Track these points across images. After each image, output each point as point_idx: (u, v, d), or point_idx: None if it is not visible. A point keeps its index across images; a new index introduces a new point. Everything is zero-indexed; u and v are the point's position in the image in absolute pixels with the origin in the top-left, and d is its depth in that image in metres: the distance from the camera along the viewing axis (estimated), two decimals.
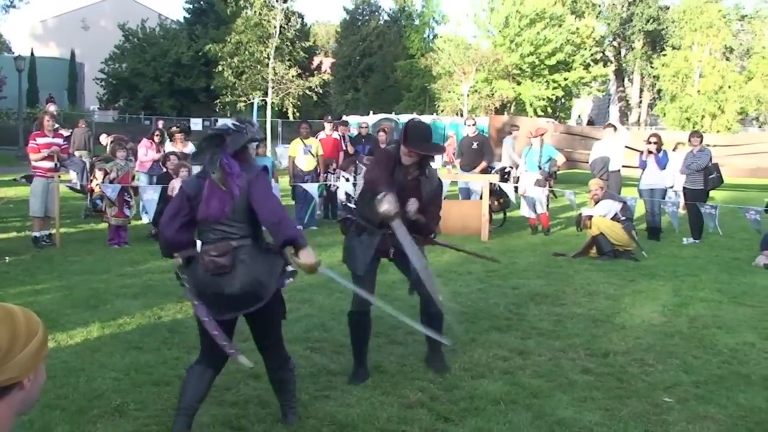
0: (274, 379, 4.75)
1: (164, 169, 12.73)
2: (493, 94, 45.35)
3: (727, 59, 49.69)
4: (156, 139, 14.36)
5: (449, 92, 45.89)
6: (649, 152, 12.99)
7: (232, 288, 4.32)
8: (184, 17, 55.13)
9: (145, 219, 13.23)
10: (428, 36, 56.92)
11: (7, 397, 1.85)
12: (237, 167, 4.24)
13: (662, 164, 12.95)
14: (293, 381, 4.78)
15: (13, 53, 42.08)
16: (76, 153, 17.54)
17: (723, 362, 6.15)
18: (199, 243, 4.59)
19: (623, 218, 11.22)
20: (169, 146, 14.26)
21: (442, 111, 45.68)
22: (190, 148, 14.62)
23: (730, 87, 45.64)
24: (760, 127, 50.66)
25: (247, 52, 35.97)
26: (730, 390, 5.46)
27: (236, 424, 4.66)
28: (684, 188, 13.27)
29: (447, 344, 5.70)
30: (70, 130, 19.45)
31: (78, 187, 15.77)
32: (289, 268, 4.52)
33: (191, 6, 54.30)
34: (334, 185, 14.80)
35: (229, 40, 36.07)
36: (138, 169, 14.17)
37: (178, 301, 7.83)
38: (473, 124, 15.33)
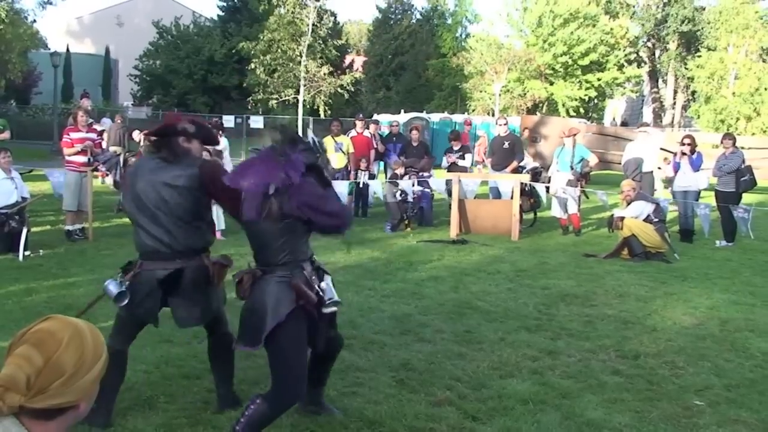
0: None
1: None
2: (525, 94, 45.14)
3: (764, 61, 48.98)
4: None
5: (481, 92, 45.71)
6: (683, 154, 12.86)
7: None
8: (218, 15, 55.40)
9: None
10: (460, 35, 56.72)
11: (61, 417, 1.82)
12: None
13: (696, 166, 12.81)
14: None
15: (49, 49, 42.50)
16: (111, 148, 17.68)
17: (755, 366, 6.08)
18: None
19: (656, 220, 11.12)
20: None
21: (473, 110, 45.54)
22: (222, 144, 14.71)
23: (766, 89, 45.01)
24: None
25: (279, 50, 36.14)
26: (763, 394, 5.40)
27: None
28: (716, 190, 13.12)
29: None
30: (103, 123, 19.63)
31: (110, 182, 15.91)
32: None
33: (225, 4, 54.55)
34: (364, 183, 14.81)
35: (261, 38, 36.26)
36: None
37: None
38: (504, 124, 15.29)
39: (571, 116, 43.38)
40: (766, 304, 8.37)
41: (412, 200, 13.68)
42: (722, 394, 5.39)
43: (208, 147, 13.64)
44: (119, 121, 20.85)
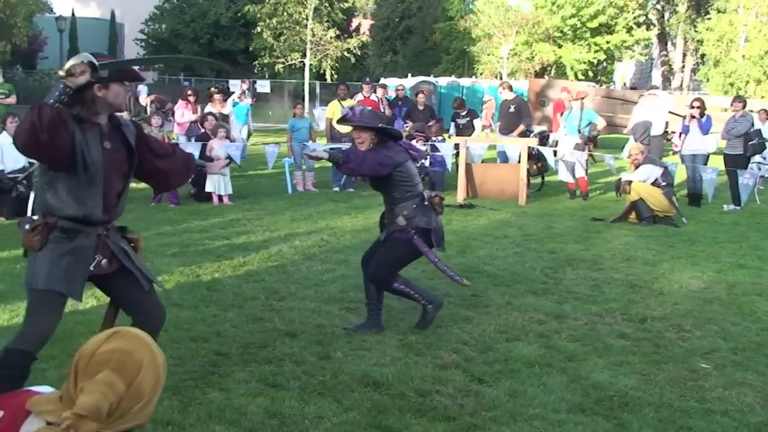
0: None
1: (202, 130, 12.81)
2: (533, 58, 44.81)
3: None
4: (191, 99, 14.40)
5: (488, 55, 45.40)
6: (692, 117, 12.78)
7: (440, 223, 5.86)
8: None
9: None
10: None
11: None
12: None
13: (705, 129, 12.73)
14: None
15: (54, 13, 42.34)
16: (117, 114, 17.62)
17: (762, 329, 6.09)
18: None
19: (663, 183, 11.08)
20: (208, 107, 14.35)
21: (481, 74, 45.26)
22: (228, 108, 14.69)
23: None
24: None
25: (285, 13, 35.93)
26: None
27: (272, 380, 4.71)
28: (724, 154, 13.05)
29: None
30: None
31: None
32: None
33: None
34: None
35: (267, 1, 35.99)
36: (177, 131, 14.28)
37: (215, 260, 7.93)
38: (504, 89, 15.21)
39: (580, 80, 43.06)
40: None
41: (418, 166, 13.61)
42: (729, 357, 5.40)
43: (213, 112, 13.66)
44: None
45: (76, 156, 3.72)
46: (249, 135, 18.39)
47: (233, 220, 10.49)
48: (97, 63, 3.67)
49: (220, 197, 12.02)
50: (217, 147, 12.14)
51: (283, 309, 6.25)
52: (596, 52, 46.21)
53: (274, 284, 7.06)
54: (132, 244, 4.14)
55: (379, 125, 5.67)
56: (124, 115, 18.46)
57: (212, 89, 15.66)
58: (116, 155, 3.93)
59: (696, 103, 13.00)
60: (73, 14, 51.97)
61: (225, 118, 14.15)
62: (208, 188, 11.98)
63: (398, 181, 5.60)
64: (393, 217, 5.68)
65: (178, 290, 6.76)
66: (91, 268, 3.91)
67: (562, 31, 45.48)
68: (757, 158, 13.95)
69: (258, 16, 36.06)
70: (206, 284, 7.00)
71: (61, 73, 3.65)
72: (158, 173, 4.28)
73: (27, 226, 3.81)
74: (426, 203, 5.67)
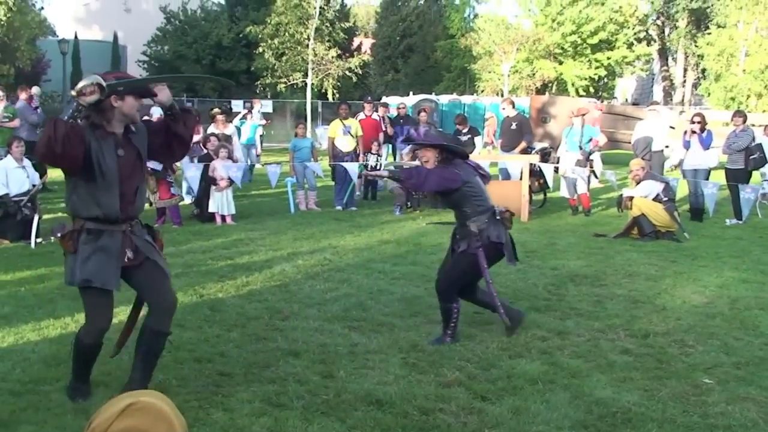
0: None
1: (204, 150, 12.86)
2: (534, 74, 44.93)
3: None
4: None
5: (489, 72, 45.52)
6: (693, 132, 12.81)
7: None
8: None
9: (188, 199, 13.39)
10: (468, 15, 56.36)
11: None
12: None
13: (706, 144, 12.76)
14: None
15: (57, 36, 42.55)
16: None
17: (765, 344, 6.09)
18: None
19: (665, 199, 11.10)
20: (211, 128, 14.43)
21: (482, 91, 45.38)
22: (230, 129, 14.77)
23: None
24: None
25: (287, 34, 36.05)
26: None
27: (275, 400, 4.73)
28: (726, 168, 13.08)
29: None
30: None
31: None
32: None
33: None
34: (374, 166, 14.80)
35: (269, 21, 36.16)
36: None
37: (218, 280, 7.95)
38: (505, 107, 15.25)
39: (581, 96, 43.18)
40: None
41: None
42: (731, 372, 5.40)
43: (216, 133, 13.73)
44: None
45: (92, 163, 4.29)
46: (258, 157, 18.42)
47: (236, 240, 10.52)
48: (105, 84, 4.12)
49: (223, 217, 12.05)
50: (220, 168, 12.18)
51: (286, 328, 6.26)
52: (597, 68, 46.34)
53: (277, 304, 7.08)
54: (155, 240, 4.76)
55: (443, 143, 5.92)
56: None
57: (215, 110, 15.72)
58: (129, 161, 4.46)
59: (696, 119, 13.04)
60: (75, 37, 52.19)
61: (227, 138, 14.22)
62: (211, 208, 12.02)
63: (469, 196, 5.86)
64: (465, 231, 5.92)
65: (182, 311, 6.75)
66: (125, 260, 4.48)
67: (562, 48, 45.63)
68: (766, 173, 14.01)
69: (260, 36, 36.19)
70: (209, 304, 7.02)
71: (73, 92, 4.13)
72: (162, 148, 4.76)
73: (59, 234, 4.49)
74: (497, 218, 5.92)
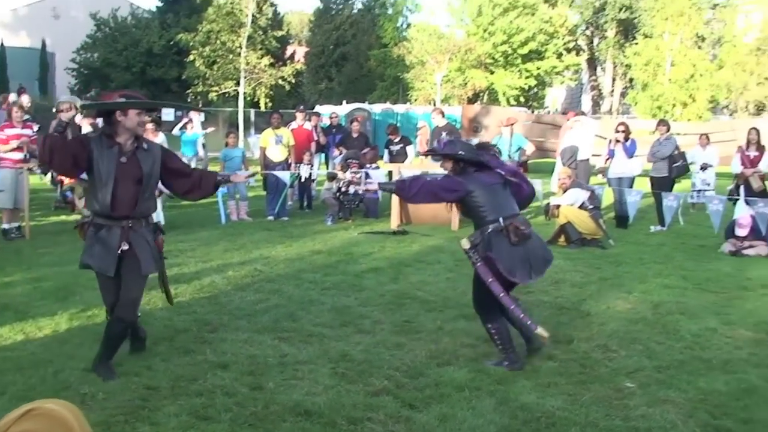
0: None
1: None
2: (466, 84, 45.39)
3: (699, 48, 50.04)
4: None
5: (422, 81, 45.85)
6: (617, 141, 13.11)
7: (537, 252, 5.63)
8: (156, 6, 54.57)
9: None
10: (402, 25, 56.72)
11: None
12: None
13: (630, 153, 13.07)
14: None
15: None
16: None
17: (685, 347, 6.27)
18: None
19: (591, 207, 11.34)
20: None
21: (415, 100, 45.66)
22: (160, 138, 14.57)
23: (701, 75, 45.97)
24: (731, 115, 51.05)
25: (218, 42, 35.79)
26: (691, 374, 5.58)
27: (203, 413, 4.70)
28: (650, 176, 13.43)
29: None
30: (39, 125, 19.28)
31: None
32: None
33: None
34: (307, 175, 14.77)
35: (200, 29, 35.85)
36: None
37: (146, 292, 7.81)
38: (438, 115, 15.41)
39: (512, 105, 43.80)
40: (697, 287, 8.62)
41: (352, 193, 13.69)
42: (653, 376, 5.55)
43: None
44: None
45: (92, 166, 5.16)
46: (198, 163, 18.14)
47: (165, 252, 10.29)
48: (78, 104, 5.24)
49: None
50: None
51: (215, 340, 6.23)
52: (527, 77, 47.09)
53: (205, 316, 7.03)
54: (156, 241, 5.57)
55: (457, 153, 5.78)
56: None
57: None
58: (129, 169, 5.21)
59: (621, 128, 13.35)
60: (1, 44, 51.08)
61: None
62: None
63: (473, 207, 5.71)
64: None
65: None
66: (119, 251, 5.23)
67: (493, 58, 46.25)
68: (698, 183, 14.40)
69: (191, 44, 35.87)
70: None
71: (54, 110, 5.05)
72: (179, 189, 5.70)
73: (75, 226, 5.59)
74: (501, 231, 5.55)
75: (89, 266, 5.32)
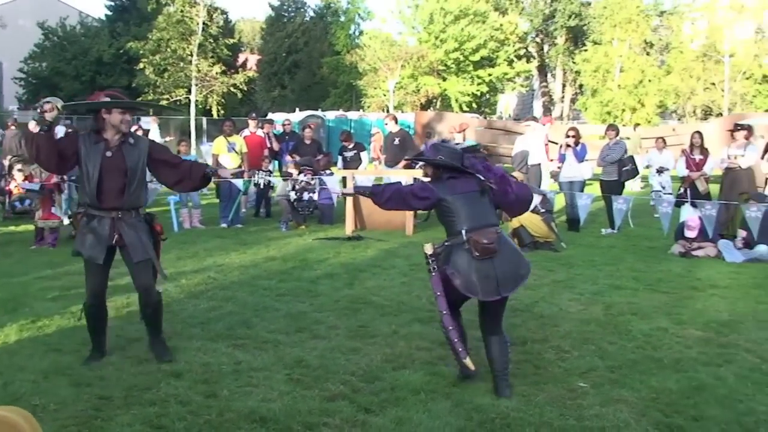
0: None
1: None
2: (418, 90, 45.61)
3: (647, 54, 50.90)
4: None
5: (375, 88, 45.97)
6: (568, 146, 13.27)
7: (506, 267, 5.20)
8: (106, 15, 53.94)
9: (66, 220, 12.98)
10: (354, 32, 56.85)
11: None
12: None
13: (580, 157, 13.24)
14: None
15: None
16: (7, 158, 16.74)
17: (637, 347, 6.35)
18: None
19: (543, 210, 11.45)
20: None
21: (368, 107, 45.76)
22: None
23: (650, 81, 46.76)
24: (679, 120, 51.96)
25: (169, 50, 35.55)
26: (643, 374, 5.65)
27: (156, 422, 4.65)
28: (600, 180, 13.61)
29: None
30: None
31: None
32: None
33: (112, 3, 53.12)
34: (263, 182, 14.67)
35: (150, 37, 35.57)
36: None
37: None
38: (391, 122, 15.46)
39: (465, 111, 44.09)
40: (648, 288, 8.74)
41: (306, 199, 13.66)
42: (606, 376, 5.62)
43: None
44: (13, 128, 20.22)
45: (80, 161, 5.56)
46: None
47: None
48: (60, 105, 5.38)
49: None
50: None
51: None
52: (479, 84, 47.50)
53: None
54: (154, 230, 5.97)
55: (436, 158, 5.52)
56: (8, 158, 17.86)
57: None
58: (114, 162, 5.56)
59: (571, 133, 13.51)
60: None
61: None
62: None
63: (444, 215, 5.43)
64: None
65: (59, 335, 6.58)
66: (113, 241, 5.64)
67: (446, 65, 46.58)
68: (655, 186, 14.61)
69: (141, 52, 35.55)
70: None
71: (39, 110, 5.25)
72: (168, 180, 6.03)
73: (69, 216, 6.37)
74: (463, 245, 5.19)
75: (80, 254, 5.68)
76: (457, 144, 5.53)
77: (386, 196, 5.53)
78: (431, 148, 5.91)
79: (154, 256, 5.85)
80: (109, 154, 5.56)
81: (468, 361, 5.24)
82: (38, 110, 5.25)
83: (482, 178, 5.41)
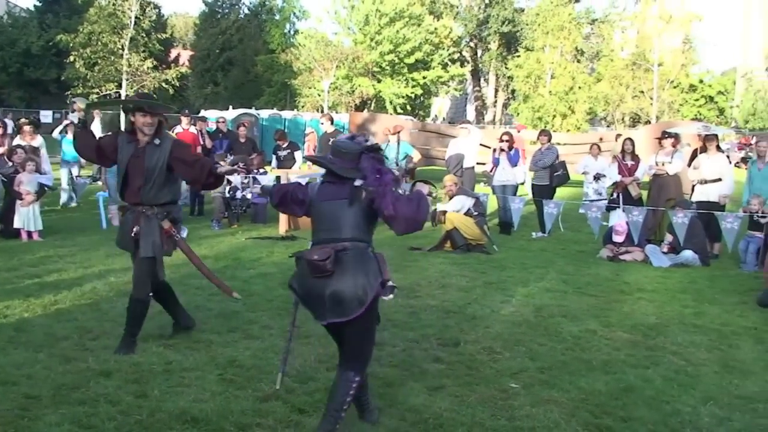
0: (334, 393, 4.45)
1: (10, 164, 12.20)
2: (353, 91, 45.65)
3: (578, 61, 51.88)
4: None
5: (310, 88, 45.87)
6: (501, 150, 13.41)
7: (338, 293, 4.32)
8: (35, 5, 52.74)
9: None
10: (289, 31, 56.66)
11: None
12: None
13: (514, 161, 13.40)
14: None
15: None
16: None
17: (567, 349, 6.47)
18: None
19: (476, 213, 11.57)
20: (17, 139, 13.67)
21: (302, 107, 45.62)
22: (38, 141, 14.06)
23: (580, 88, 47.69)
24: (608, 126, 53.03)
25: (100, 43, 34.90)
26: (573, 375, 5.76)
27: (86, 422, 4.56)
28: (532, 184, 13.81)
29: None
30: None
31: None
32: (390, 283, 4.67)
33: None
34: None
35: (81, 30, 34.87)
36: None
37: (24, 299, 7.56)
38: (327, 121, 15.46)
39: (399, 113, 44.28)
40: (577, 291, 8.91)
41: (239, 198, 13.54)
42: (536, 376, 5.71)
43: (23, 144, 13.04)
44: None
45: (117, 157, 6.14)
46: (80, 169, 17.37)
47: (44, 257, 10.01)
48: (83, 105, 6.47)
49: (29, 233, 11.44)
50: (26, 181, 11.59)
51: (97, 348, 6.04)
52: (414, 86, 47.78)
53: (87, 323, 6.82)
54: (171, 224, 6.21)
55: (325, 158, 4.73)
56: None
57: (22, 120, 14.94)
58: (138, 161, 5.98)
59: (505, 137, 13.66)
60: None
61: (35, 150, 13.53)
62: (17, 224, 11.38)
63: (312, 220, 4.72)
64: None
65: None
66: (132, 234, 6.04)
67: (381, 66, 46.72)
68: (591, 193, 14.85)
69: (71, 45, 34.81)
70: (14, 325, 6.65)
71: (72, 108, 5.88)
72: (186, 177, 6.34)
73: (119, 208, 6.67)
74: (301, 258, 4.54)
75: (117, 245, 6.40)
76: (366, 142, 4.58)
77: (276, 197, 4.90)
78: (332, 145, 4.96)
79: (160, 255, 6.20)
80: (136, 153, 6.00)
81: (278, 377, 4.94)
82: (71, 108, 6.03)
83: (358, 184, 4.52)
